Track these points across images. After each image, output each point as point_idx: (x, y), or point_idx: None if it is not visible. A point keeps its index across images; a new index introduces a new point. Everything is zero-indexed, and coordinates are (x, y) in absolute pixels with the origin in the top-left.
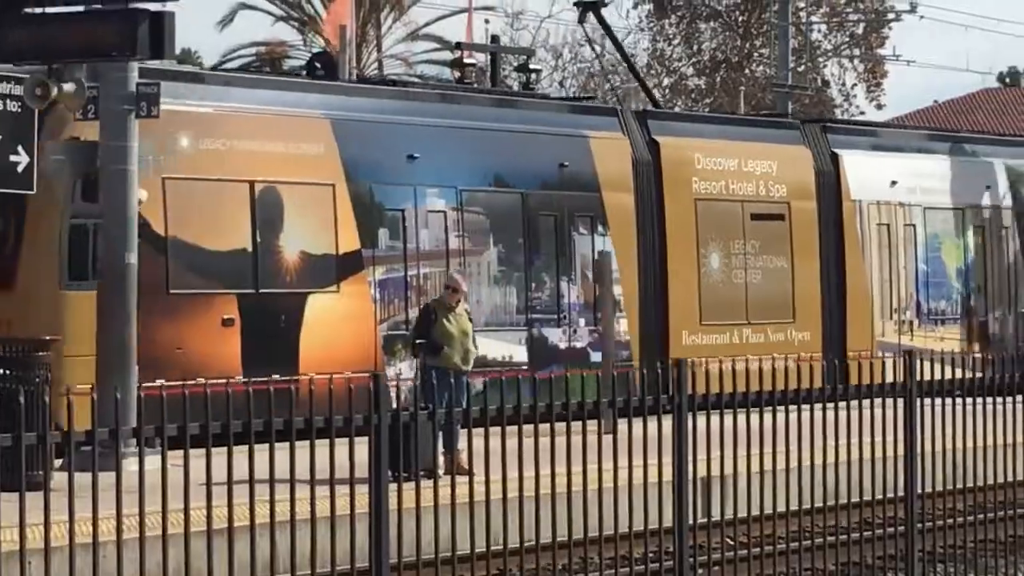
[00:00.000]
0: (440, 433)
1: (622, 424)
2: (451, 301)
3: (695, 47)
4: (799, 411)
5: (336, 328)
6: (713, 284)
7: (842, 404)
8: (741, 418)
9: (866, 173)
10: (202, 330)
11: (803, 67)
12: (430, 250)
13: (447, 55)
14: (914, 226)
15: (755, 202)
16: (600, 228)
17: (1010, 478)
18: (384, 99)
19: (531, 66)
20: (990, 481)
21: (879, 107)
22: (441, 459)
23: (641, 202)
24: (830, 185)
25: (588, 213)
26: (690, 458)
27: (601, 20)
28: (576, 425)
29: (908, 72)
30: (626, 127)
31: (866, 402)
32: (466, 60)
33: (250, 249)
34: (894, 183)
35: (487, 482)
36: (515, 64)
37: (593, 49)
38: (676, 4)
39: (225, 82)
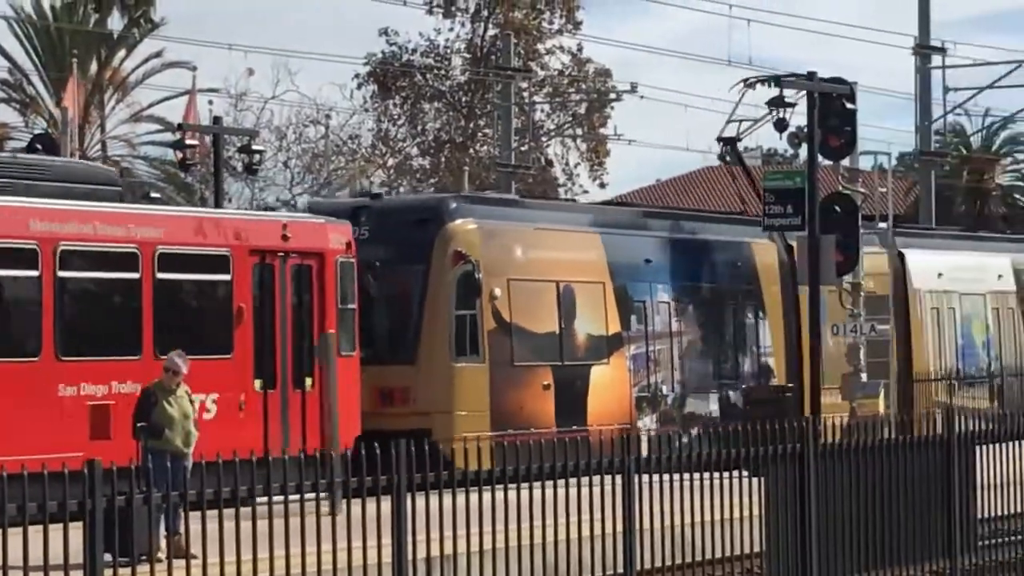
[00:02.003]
0: (161, 516)
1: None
2: (171, 384)
3: (420, 127)
4: (531, 488)
5: (608, 390)
6: (830, 353)
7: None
8: (464, 497)
9: (922, 267)
10: (532, 392)
11: (527, 147)
12: (660, 331)
13: (171, 136)
14: (954, 309)
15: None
16: (760, 312)
17: (728, 552)
18: (630, 216)
19: (254, 147)
20: (709, 556)
21: (602, 186)
22: (163, 542)
23: (784, 291)
24: (899, 277)
25: (752, 300)
26: (410, 539)
27: (737, 153)
28: (303, 506)
29: (630, 151)
30: (772, 235)
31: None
32: (188, 141)
33: (558, 332)
34: (940, 275)
35: (204, 565)
36: (239, 145)
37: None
38: (400, 85)
39: (539, 207)
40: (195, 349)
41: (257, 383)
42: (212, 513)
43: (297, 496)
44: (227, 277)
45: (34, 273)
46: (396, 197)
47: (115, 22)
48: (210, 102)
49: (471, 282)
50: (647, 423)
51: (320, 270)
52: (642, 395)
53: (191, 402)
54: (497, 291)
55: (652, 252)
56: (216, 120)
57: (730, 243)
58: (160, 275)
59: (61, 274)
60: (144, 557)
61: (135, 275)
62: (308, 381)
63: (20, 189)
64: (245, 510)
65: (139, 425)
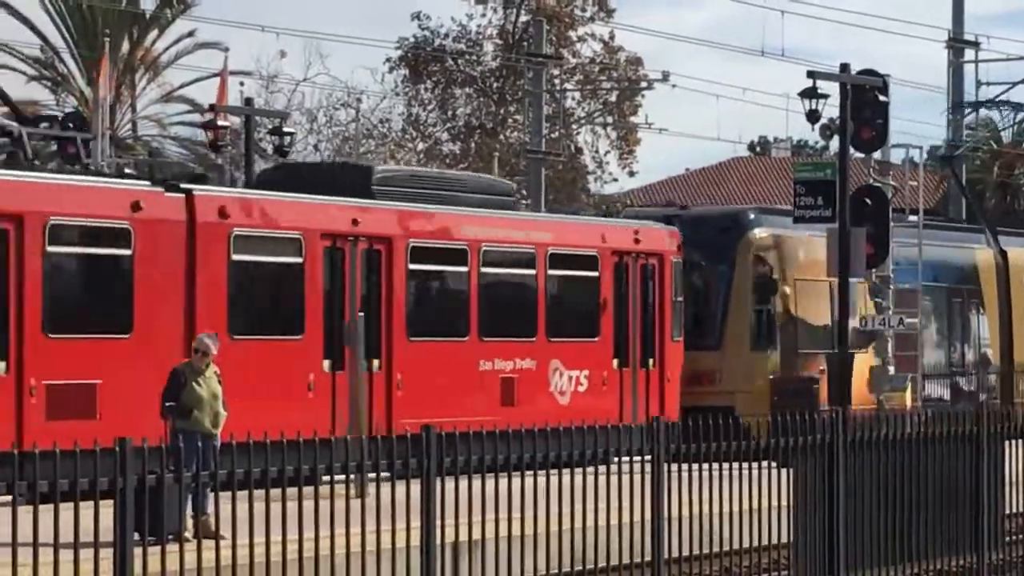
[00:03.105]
0: (190, 496)
1: (374, 487)
2: (200, 364)
3: (450, 112)
4: (548, 476)
5: (865, 375)
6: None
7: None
8: (492, 483)
9: (1019, 262)
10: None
11: (557, 134)
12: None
13: (201, 117)
14: None
15: None
16: (981, 308)
17: (755, 543)
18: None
19: (285, 129)
20: (736, 546)
21: (631, 174)
22: (190, 522)
23: (999, 290)
24: (1002, 272)
25: (975, 298)
26: (438, 523)
27: (955, 174)
28: (333, 488)
29: (661, 140)
30: (988, 240)
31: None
32: (220, 123)
33: (829, 324)
34: None
35: (234, 546)
36: (270, 127)
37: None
38: (431, 70)
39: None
40: (573, 333)
41: (615, 362)
42: (260, 494)
43: (343, 476)
44: (595, 274)
45: (464, 269)
46: (702, 208)
47: (148, 2)
48: (241, 83)
49: (767, 282)
50: (895, 405)
51: (660, 268)
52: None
53: (220, 382)
54: (786, 289)
55: (904, 256)
56: (247, 102)
57: (959, 248)
58: (550, 271)
59: (483, 270)
60: (172, 537)
61: (532, 271)
62: (651, 361)
63: (447, 199)
64: (282, 491)
65: (168, 405)
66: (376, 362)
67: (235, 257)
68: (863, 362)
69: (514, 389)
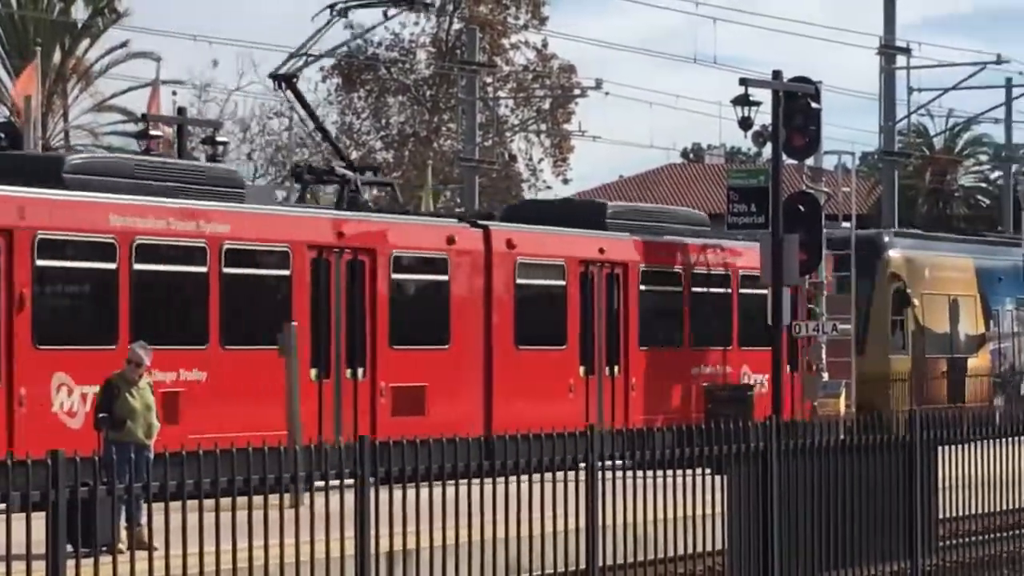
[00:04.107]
0: (123, 508)
1: (312, 496)
2: (134, 376)
3: (383, 121)
4: (482, 484)
5: (976, 377)
6: None
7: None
8: (427, 491)
9: None
10: (936, 377)
11: (490, 142)
12: (1006, 332)
13: (134, 126)
14: None
15: None
16: None
17: (690, 550)
18: (988, 246)
19: (218, 138)
20: (671, 553)
21: (565, 182)
22: (124, 534)
23: None
24: None
25: None
26: (373, 532)
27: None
28: (268, 498)
29: (594, 147)
30: None
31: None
32: (152, 132)
33: (949, 332)
34: None
35: (167, 557)
36: (203, 136)
37: (293, 119)
38: (364, 78)
39: (933, 238)
40: (756, 343)
41: (788, 368)
42: (209, 505)
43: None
44: (727, 291)
45: (678, 289)
46: (839, 230)
47: (79, 11)
48: (174, 93)
49: (902, 296)
50: (998, 402)
51: (799, 287)
52: (996, 380)
53: (153, 393)
54: (916, 302)
55: (1002, 272)
56: (180, 111)
57: None
58: (741, 291)
59: (693, 290)
60: (106, 548)
61: (728, 290)
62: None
63: (663, 229)
64: (215, 502)
65: (100, 416)
66: (614, 368)
67: (519, 280)
68: (976, 364)
69: (691, 394)
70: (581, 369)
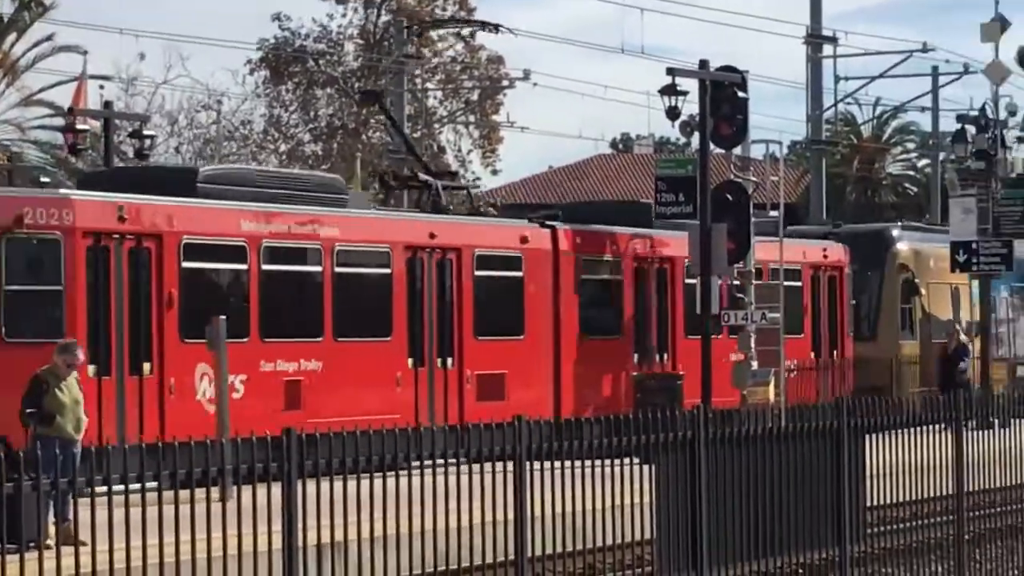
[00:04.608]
0: (50, 503)
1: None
2: (64, 371)
3: (312, 113)
4: (409, 476)
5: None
6: None
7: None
8: (355, 483)
9: None
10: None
11: (419, 133)
12: (1001, 318)
13: (62, 121)
14: None
15: None
16: None
17: (619, 540)
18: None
19: (145, 132)
20: (600, 543)
21: (494, 172)
22: (52, 529)
23: None
24: None
25: None
26: (300, 525)
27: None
28: (197, 493)
29: (523, 138)
30: None
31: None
32: (79, 126)
33: (952, 319)
34: None
35: (93, 553)
36: (130, 130)
37: (220, 112)
38: (292, 71)
39: (935, 230)
40: (786, 332)
41: (812, 354)
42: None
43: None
44: (800, 284)
45: (799, 284)
46: (853, 226)
47: (5, 5)
48: (101, 87)
49: (910, 285)
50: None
51: (840, 278)
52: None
53: (80, 389)
54: (923, 291)
55: None
56: (107, 105)
57: None
58: (787, 282)
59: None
60: (32, 544)
61: (799, 283)
62: (836, 353)
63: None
64: (142, 496)
65: (28, 412)
66: (663, 355)
67: (583, 276)
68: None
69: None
70: (635, 356)
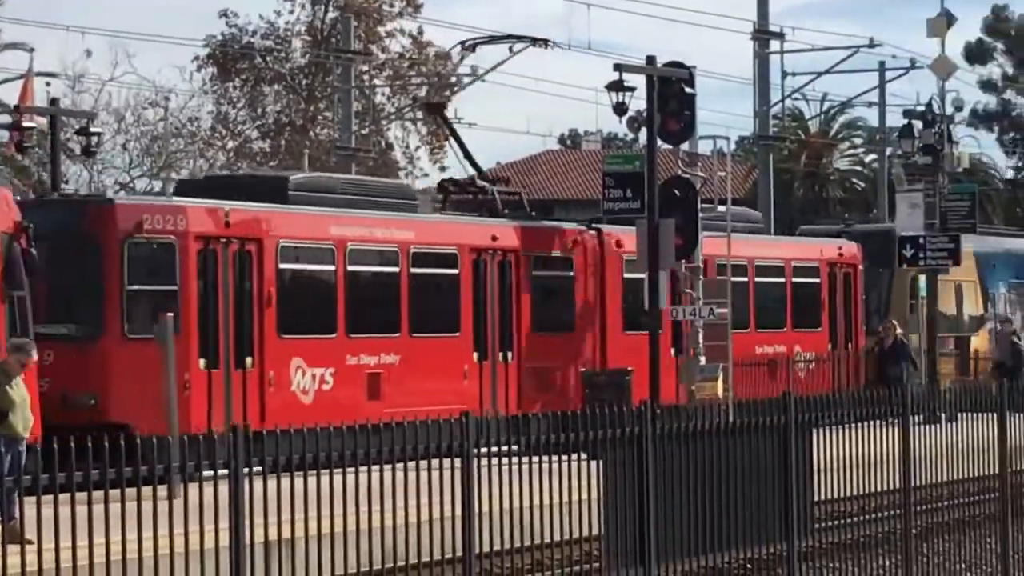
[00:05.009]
0: None
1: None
2: (16, 368)
3: (259, 110)
4: (356, 473)
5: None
6: None
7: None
8: (303, 480)
9: None
10: (947, 354)
11: (367, 130)
12: (1000, 313)
13: (8, 118)
14: None
15: None
16: None
17: (567, 536)
18: (985, 235)
19: (92, 129)
20: (548, 539)
21: (443, 169)
22: None
23: None
24: None
25: None
26: (247, 522)
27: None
28: (146, 490)
29: (471, 134)
30: None
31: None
32: (25, 123)
33: (956, 314)
34: None
35: (39, 552)
36: (77, 127)
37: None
38: (240, 67)
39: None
40: (806, 326)
41: (829, 346)
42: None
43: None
44: (817, 280)
45: (817, 280)
46: (864, 225)
47: None
48: (48, 84)
49: (917, 282)
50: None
51: (854, 275)
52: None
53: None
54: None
55: (996, 259)
56: (53, 102)
57: None
58: (794, 279)
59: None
60: None
61: (817, 280)
62: (850, 346)
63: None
64: (88, 494)
65: None
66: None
67: (626, 275)
68: (977, 342)
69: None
70: (672, 350)
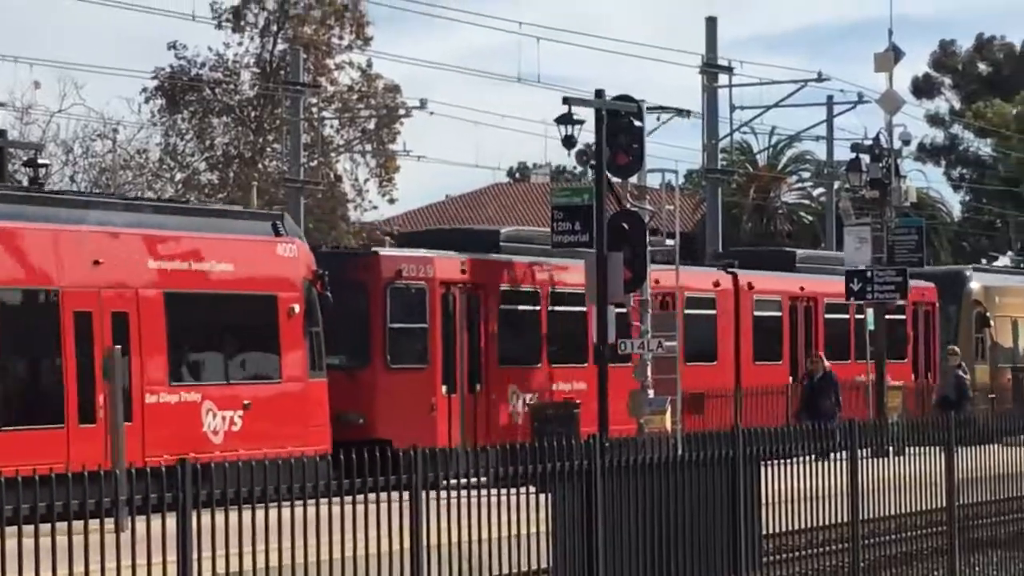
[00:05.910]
0: None
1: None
2: None
3: (208, 142)
4: (304, 506)
5: None
6: None
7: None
8: (250, 514)
9: None
10: (1006, 381)
11: (316, 162)
12: None
13: None
14: None
15: None
16: None
17: (515, 569)
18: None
19: (40, 161)
20: (496, 573)
21: (391, 201)
22: None
23: None
24: None
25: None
26: (195, 556)
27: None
28: (90, 523)
29: (420, 167)
30: None
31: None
32: None
33: (1013, 346)
34: None
35: None
36: (24, 159)
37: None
38: (188, 99)
39: (996, 271)
40: (894, 357)
41: (912, 376)
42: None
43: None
44: (904, 317)
45: (904, 317)
46: (933, 267)
47: None
48: None
49: (982, 318)
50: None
51: (932, 312)
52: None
53: None
54: (993, 323)
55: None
56: (0, 133)
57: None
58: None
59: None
60: None
61: (904, 316)
62: (929, 375)
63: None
64: (35, 527)
65: None
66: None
67: (756, 313)
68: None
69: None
70: (790, 378)
